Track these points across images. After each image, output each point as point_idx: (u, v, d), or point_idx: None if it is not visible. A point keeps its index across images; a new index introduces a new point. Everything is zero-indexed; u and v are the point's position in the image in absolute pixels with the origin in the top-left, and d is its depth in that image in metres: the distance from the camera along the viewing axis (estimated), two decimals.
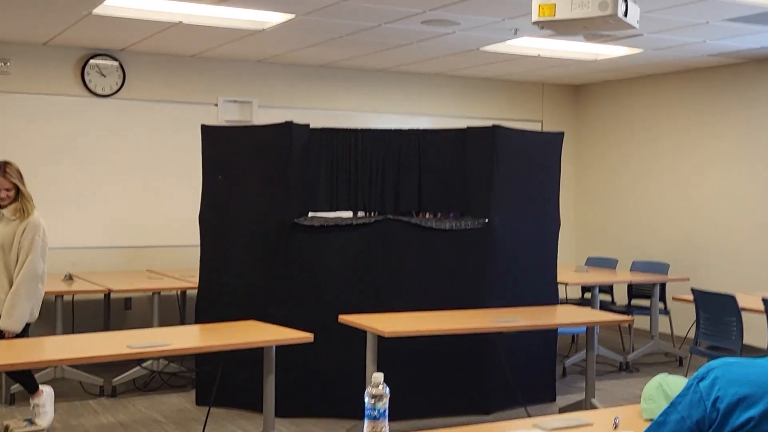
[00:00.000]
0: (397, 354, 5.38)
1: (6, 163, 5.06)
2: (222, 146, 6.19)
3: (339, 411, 5.78)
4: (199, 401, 6.13)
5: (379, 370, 4.84)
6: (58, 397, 6.28)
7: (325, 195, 6.24)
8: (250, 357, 4.88)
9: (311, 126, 6.19)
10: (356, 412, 5.48)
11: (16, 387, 6.07)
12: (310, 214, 6.13)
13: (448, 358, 5.93)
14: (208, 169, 6.22)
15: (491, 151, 6.05)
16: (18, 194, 5.01)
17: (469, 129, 6.30)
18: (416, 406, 5.71)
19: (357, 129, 6.34)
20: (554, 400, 6.34)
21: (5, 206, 4.99)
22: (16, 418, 4.83)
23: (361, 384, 5.30)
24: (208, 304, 6.11)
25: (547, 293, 6.36)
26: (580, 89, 10.14)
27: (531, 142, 6.50)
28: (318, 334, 4.82)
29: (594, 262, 8.85)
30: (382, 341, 4.99)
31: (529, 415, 5.46)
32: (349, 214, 6.32)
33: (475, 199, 6.19)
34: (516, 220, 6.18)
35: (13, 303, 4.84)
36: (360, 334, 5.09)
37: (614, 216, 9.69)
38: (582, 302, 8.11)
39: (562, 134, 6.67)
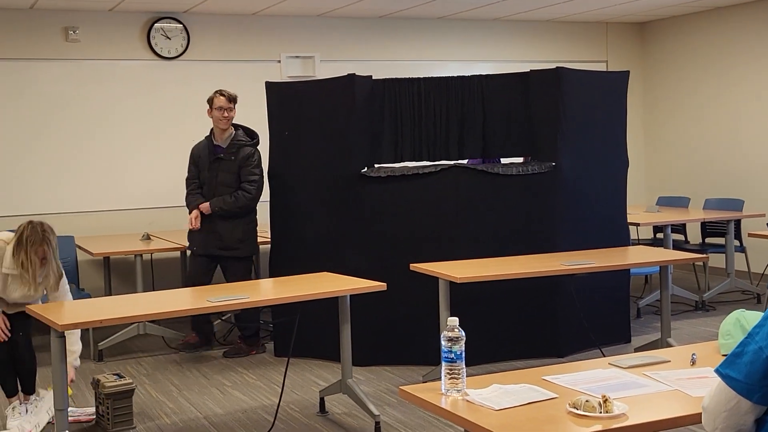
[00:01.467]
0: (468, 300, 5.43)
1: None
2: (287, 102, 6.25)
3: (413, 358, 5.89)
4: (277, 352, 6.30)
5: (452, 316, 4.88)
6: (143, 352, 6.52)
7: (389, 146, 6.26)
8: (325, 308, 4.97)
9: (384, 78, 6.21)
10: (430, 358, 5.63)
11: (103, 343, 6.32)
12: (376, 165, 6.17)
13: (519, 302, 5.96)
14: (275, 125, 6.30)
15: (556, 94, 6.00)
16: None
17: (532, 72, 6.25)
18: (488, 351, 5.78)
19: (419, 78, 6.31)
20: (629, 341, 6.34)
21: None
22: (105, 373, 5.02)
23: (433, 331, 5.38)
24: (281, 257, 6.25)
25: (617, 235, 6.34)
26: (645, 26, 9.91)
27: (595, 82, 6.41)
28: (390, 283, 4.88)
29: (665, 202, 8.74)
30: (454, 288, 5.04)
31: (604, 356, 5.46)
32: (414, 164, 6.36)
33: (542, 143, 6.16)
34: (583, 162, 6.15)
35: None
36: (431, 281, 5.14)
37: (684, 154, 9.51)
38: (654, 243, 8.03)
39: (627, 73, 6.58)
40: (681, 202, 8.60)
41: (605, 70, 9.59)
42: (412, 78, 6.31)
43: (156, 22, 7.78)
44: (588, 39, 9.68)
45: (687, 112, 9.46)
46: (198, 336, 6.38)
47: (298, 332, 5.11)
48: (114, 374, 4.95)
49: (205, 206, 6.16)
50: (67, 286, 4.84)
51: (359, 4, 7.81)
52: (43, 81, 7.48)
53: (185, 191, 6.35)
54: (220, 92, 6.17)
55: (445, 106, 6.27)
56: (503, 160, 6.78)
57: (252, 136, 6.30)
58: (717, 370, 2.09)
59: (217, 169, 6.17)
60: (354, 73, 6.00)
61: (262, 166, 6.28)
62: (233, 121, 6.25)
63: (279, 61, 8.28)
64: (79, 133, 7.61)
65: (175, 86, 7.91)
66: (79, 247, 6.79)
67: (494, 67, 8.86)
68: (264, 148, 6.33)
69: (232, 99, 6.17)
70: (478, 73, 6.41)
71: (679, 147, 9.58)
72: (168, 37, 7.85)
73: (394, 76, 6.39)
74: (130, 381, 4.89)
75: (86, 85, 7.63)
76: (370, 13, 8.37)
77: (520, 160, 6.63)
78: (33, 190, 7.46)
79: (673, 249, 7.41)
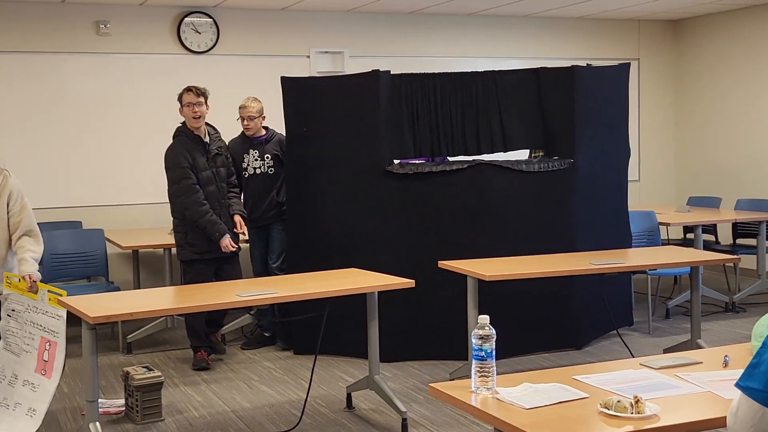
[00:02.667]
0: (488, 295, 5.38)
1: None
2: (305, 97, 6.17)
3: (439, 354, 5.90)
4: (298, 350, 6.22)
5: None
6: (171, 345, 6.56)
7: (408, 141, 6.29)
8: (348, 304, 4.96)
9: (400, 73, 6.21)
10: (456, 354, 5.62)
11: (132, 336, 6.36)
12: (395, 161, 6.14)
13: (536, 297, 6.01)
14: (291, 121, 6.20)
15: (571, 91, 6.15)
16: None
17: (543, 69, 6.44)
18: (509, 344, 5.75)
19: (435, 73, 6.35)
20: (631, 324, 6.61)
21: None
22: (134, 366, 5.06)
23: (459, 327, 5.37)
24: (297, 254, 6.18)
25: (623, 228, 6.60)
26: (678, 24, 9.82)
27: (602, 76, 6.52)
28: (415, 279, 4.85)
29: (696, 202, 8.65)
30: (480, 284, 5.02)
31: (624, 343, 5.43)
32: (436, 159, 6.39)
33: (557, 138, 6.30)
34: (596, 157, 6.32)
35: (33, 249, 4.61)
36: (455, 277, 5.13)
37: (716, 154, 9.41)
38: (684, 243, 7.95)
39: (628, 65, 6.68)
40: (712, 203, 8.51)
41: (637, 68, 9.54)
42: (428, 73, 6.34)
43: (186, 16, 7.82)
44: (620, 36, 9.60)
45: (719, 112, 9.36)
46: (205, 351, 5.97)
47: (318, 329, 5.05)
48: (143, 367, 4.98)
49: (240, 221, 5.95)
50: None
51: (389, 0, 7.79)
52: (74, 74, 7.54)
53: (192, 199, 5.75)
54: (188, 87, 5.84)
55: (460, 102, 6.33)
56: (510, 155, 6.85)
57: (215, 128, 6.06)
58: (737, 384, 2.02)
59: (215, 165, 5.88)
60: (378, 69, 5.98)
61: None
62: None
63: (308, 57, 8.29)
64: (110, 126, 7.66)
65: (205, 80, 7.83)
66: (109, 240, 6.84)
67: (524, 64, 8.79)
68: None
69: (200, 93, 5.81)
70: (491, 69, 6.47)
71: (711, 146, 9.48)
72: (198, 32, 7.88)
73: (422, 72, 6.41)
74: (159, 374, 4.91)
75: (116, 78, 7.68)
76: (399, 9, 8.35)
77: (525, 153, 6.68)
78: (63, 182, 7.52)
79: (704, 249, 7.34)
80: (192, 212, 5.73)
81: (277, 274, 6.12)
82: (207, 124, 5.97)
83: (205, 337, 6.01)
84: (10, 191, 4.62)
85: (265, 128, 6.43)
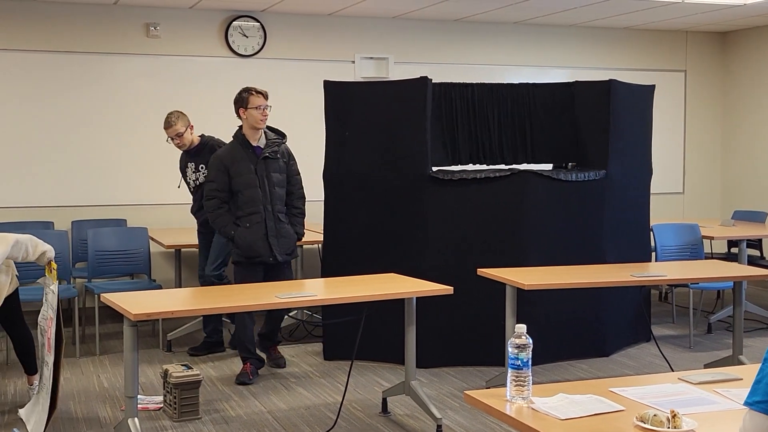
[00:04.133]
0: (520, 299, 5.34)
1: None
2: (347, 102, 6.19)
3: (476, 360, 5.92)
4: (327, 355, 6.20)
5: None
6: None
7: (447, 149, 6.33)
8: (384, 309, 4.96)
9: (439, 82, 6.30)
10: (493, 360, 5.61)
11: (172, 334, 6.44)
12: (434, 168, 6.11)
13: (567, 304, 6.02)
14: (332, 125, 6.20)
15: (607, 103, 6.26)
16: None
17: (578, 82, 6.61)
18: (540, 351, 5.72)
19: (473, 83, 6.49)
20: (649, 340, 6.56)
21: None
22: (173, 363, 5.12)
23: (496, 333, 5.36)
24: (333, 257, 6.17)
25: (645, 242, 6.72)
26: (726, 36, 9.70)
27: (633, 94, 6.62)
28: (453, 285, 4.86)
29: (741, 216, 8.53)
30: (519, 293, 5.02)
31: (664, 357, 5.37)
32: (470, 167, 6.46)
33: (591, 150, 6.42)
34: (625, 170, 6.41)
35: None
36: (492, 284, 5.12)
37: (763, 168, 9.28)
38: (728, 257, 7.85)
39: (653, 87, 6.84)
40: (758, 217, 8.39)
41: (684, 79, 9.46)
42: (466, 83, 6.49)
43: (234, 20, 7.91)
44: (667, 48, 9.51)
45: (767, 125, 9.22)
46: (252, 364, 5.76)
47: (354, 334, 5.05)
48: (182, 365, 5.04)
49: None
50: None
51: (435, 7, 7.81)
52: (123, 75, 7.67)
53: (208, 205, 5.70)
54: (255, 90, 5.65)
55: (497, 112, 6.50)
56: (535, 166, 6.85)
57: (281, 134, 5.86)
58: (744, 403, 2.08)
59: (266, 169, 5.65)
60: (426, 76, 6.00)
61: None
62: None
63: (353, 62, 8.34)
64: (157, 127, 7.74)
65: (251, 83, 7.86)
66: (152, 239, 6.94)
67: (569, 73, 8.78)
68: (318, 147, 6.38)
69: (267, 96, 5.68)
70: (552, 81, 6.54)
71: (758, 160, 9.35)
72: (245, 35, 7.97)
73: (466, 81, 6.49)
74: (198, 372, 4.97)
75: (165, 80, 7.79)
76: (445, 16, 8.37)
77: (549, 166, 6.71)
78: (110, 181, 7.65)
79: (748, 264, 7.23)
80: (212, 222, 5.74)
81: (213, 282, 6.12)
82: (271, 128, 5.83)
83: (254, 350, 5.81)
84: None
85: (201, 136, 6.32)
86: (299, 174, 5.87)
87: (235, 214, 5.66)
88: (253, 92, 5.62)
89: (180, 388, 4.86)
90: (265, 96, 5.65)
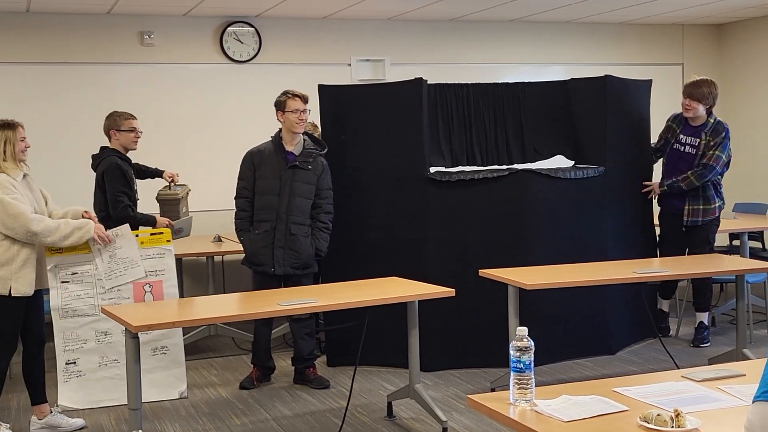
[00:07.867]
0: (523, 298, 5.33)
1: None
2: (342, 105, 6.17)
3: (480, 362, 5.89)
4: (330, 362, 6.16)
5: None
6: (213, 352, 6.62)
7: (444, 150, 6.32)
8: (385, 314, 4.94)
9: (435, 83, 6.29)
10: (497, 362, 5.59)
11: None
12: (432, 169, 6.08)
13: (570, 302, 5.99)
14: (328, 129, 6.16)
15: (603, 99, 6.27)
16: None
17: (573, 80, 6.61)
18: (545, 350, 5.71)
19: (468, 83, 6.50)
20: (656, 336, 6.44)
21: None
22: None
23: (499, 334, 5.34)
24: (332, 262, 6.09)
25: (650, 236, 6.71)
26: (722, 28, 9.68)
27: (630, 89, 6.61)
28: (455, 287, 4.84)
29: (742, 208, 8.51)
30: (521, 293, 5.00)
31: (669, 354, 5.36)
32: (468, 168, 6.41)
33: (588, 147, 6.42)
34: (624, 166, 6.41)
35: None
36: (495, 284, 5.11)
37: (762, 160, 9.26)
38: (730, 250, 7.83)
39: (650, 81, 6.82)
40: (759, 209, 8.37)
41: (681, 73, 9.44)
42: (461, 83, 6.51)
43: (229, 26, 7.90)
44: (663, 41, 9.49)
45: (765, 116, 9.21)
46: (258, 371, 5.79)
47: (356, 339, 5.03)
48: None
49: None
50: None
51: (430, 8, 7.80)
52: (118, 84, 7.66)
53: (236, 203, 5.70)
54: (294, 93, 5.58)
55: (492, 112, 6.50)
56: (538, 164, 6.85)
57: (322, 145, 5.78)
58: (754, 399, 2.11)
59: (292, 178, 5.54)
60: (421, 77, 5.99)
61: None
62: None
63: (349, 65, 8.32)
64: (153, 135, 7.74)
65: (248, 89, 8.01)
66: None
67: (566, 70, 8.76)
68: None
69: (306, 99, 5.61)
70: (551, 78, 6.55)
71: (757, 152, 9.33)
72: (240, 41, 7.96)
73: (463, 80, 6.49)
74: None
75: (160, 88, 7.78)
76: (440, 16, 8.35)
77: (546, 162, 6.67)
78: None
79: (750, 257, 7.22)
80: (234, 221, 5.75)
81: None
82: (311, 137, 5.77)
83: (266, 358, 5.77)
84: None
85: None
86: (331, 189, 5.70)
87: (254, 217, 5.62)
88: (290, 95, 5.56)
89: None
90: (304, 100, 5.57)
